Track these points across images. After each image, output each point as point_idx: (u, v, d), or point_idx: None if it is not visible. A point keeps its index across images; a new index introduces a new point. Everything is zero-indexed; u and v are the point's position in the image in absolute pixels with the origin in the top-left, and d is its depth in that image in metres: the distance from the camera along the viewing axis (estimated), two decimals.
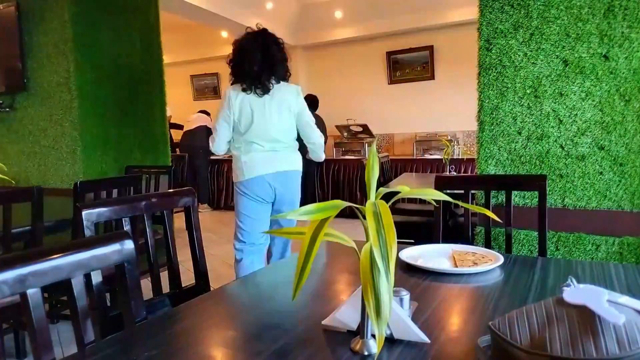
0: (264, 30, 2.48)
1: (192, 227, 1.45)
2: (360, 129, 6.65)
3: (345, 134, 6.77)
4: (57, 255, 0.91)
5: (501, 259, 1.30)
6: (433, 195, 0.98)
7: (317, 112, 5.91)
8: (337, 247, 1.53)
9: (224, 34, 7.16)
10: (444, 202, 1.65)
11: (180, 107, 7.67)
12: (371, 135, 6.58)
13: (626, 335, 0.61)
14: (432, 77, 6.51)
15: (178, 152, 6.32)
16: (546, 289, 1.14)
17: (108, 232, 2.40)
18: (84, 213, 1.35)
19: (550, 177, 1.95)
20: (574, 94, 1.89)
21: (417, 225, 3.27)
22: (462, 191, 1.83)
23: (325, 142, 3.69)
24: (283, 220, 2.55)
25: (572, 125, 1.91)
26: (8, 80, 3.43)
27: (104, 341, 0.90)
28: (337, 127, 6.74)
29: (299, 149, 2.66)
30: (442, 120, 6.25)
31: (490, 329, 0.72)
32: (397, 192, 0.82)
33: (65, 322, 2.77)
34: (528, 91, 1.97)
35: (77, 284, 0.95)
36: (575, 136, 1.90)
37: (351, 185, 5.90)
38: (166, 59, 3.88)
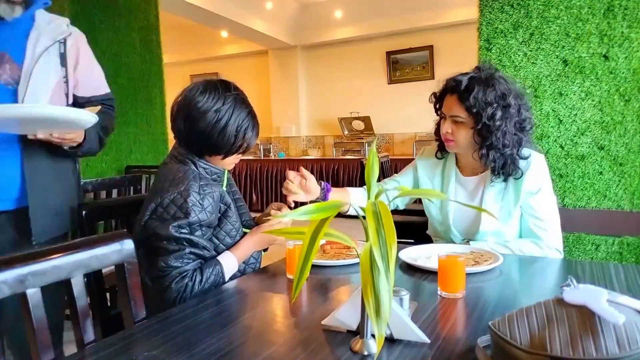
0: None
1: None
2: (362, 127, 6.65)
3: (346, 131, 6.77)
4: (56, 255, 0.91)
5: (501, 259, 1.30)
6: (433, 195, 0.98)
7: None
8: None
9: (224, 34, 7.17)
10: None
11: None
12: (372, 130, 6.57)
13: (626, 335, 0.61)
14: (432, 77, 6.51)
15: None
16: (546, 289, 1.15)
17: (108, 232, 2.40)
18: (84, 212, 1.35)
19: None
20: (574, 94, 1.89)
21: (417, 225, 3.26)
22: None
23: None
24: None
25: (571, 125, 1.91)
26: None
27: (104, 341, 0.90)
28: (339, 119, 6.73)
29: None
30: None
31: (490, 329, 0.72)
32: (397, 192, 0.82)
33: (65, 322, 2.77)
34: (528, 91, 1.97)
35: (77, 283, 0.94)
36: (575, 136, 1.90)
37: (351, 185, 5.90)
38: (166, 58, 3.88)
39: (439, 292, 1.08)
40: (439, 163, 1.69)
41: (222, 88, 1.31)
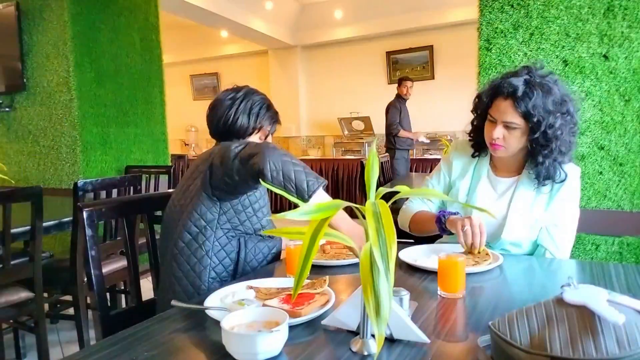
0: None
1: None
2: (362, 127, 6.65)
3: (346, 131, 6.77)
4: None
5: (501, 259, 1.30)
6: (433, 195, 0.98)
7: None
8: None
9: (224, 34, 7.17)
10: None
11: (180, 107, 7.67)
12: (372, 130, 6.57)
13: (626, 335, 0.61)
14: (432, 77, 6.51)
15: None
16: (546, 289, 1.14)
17: (108, 232, 2.40)
18: (85, 212, 1.35)
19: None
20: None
21: None
22: None
23: None
24: None
25: None
26: (8, 80, 3.43)
27: (104, 341, 0.90)
28: (339, 119, 6.73)
29: None
30: (442, 120, 6.24)
31: (490, 329, 0.72)
32: (397, 192, 0.82)
33: (66, 322, 2.77)
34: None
35: None
36: None
37: (351, 185, 5.90)
38: (166, 58, 3.88)
39: (439, 292, 1.08)
40: (472, 160, 1.61)
41: (239, 87, 1.55)
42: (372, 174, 0.78)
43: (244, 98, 1.51)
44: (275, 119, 1.57)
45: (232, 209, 1.35)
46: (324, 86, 7.35)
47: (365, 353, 0.79)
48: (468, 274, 1.22)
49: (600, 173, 1.87)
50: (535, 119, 1.35)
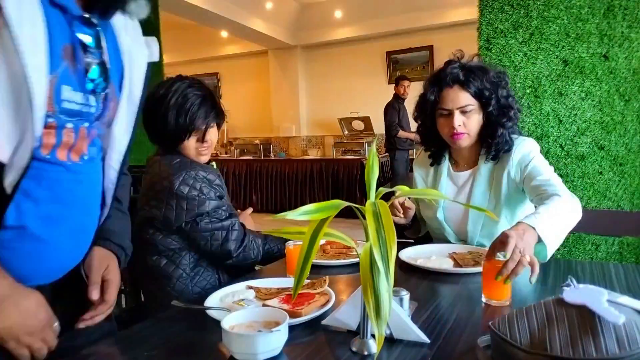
0: None
1: None
2: (362, 127, 6.65)
3: (346, 131, 6.77)
4: None
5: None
6: (433, 195, 0.98)
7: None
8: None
9: (224, 34, 7.17)
10: None
11: None
12: (372, 130, 6.57)
13: (626, 335, 0.61)
14: None
15: None
16: (546, 289, 1.14)
17: None
18: None
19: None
20: (574, 94, 1.89)
21: None
22: None
23: None
24: None
25: (571, 125, 1.91)
26: None
27: (104, 341, 0.90)
28: (339, 119, 6.73)
29: None
30: None
31: (490, 329, 0.72)
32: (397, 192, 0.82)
33: None
34: (528, 91, 1.97)
35: None
36: (575, 136, 1.90)
37: (351, 185, 5.90)
38: (166, 58, 3.88)
39: (483, 300, 1.03)
40: (431, 167, 1.65)
41: (175, 78, 1.38)
42: (372, 174, 0.78)
43: (175, 93, 1.34)
44: (212, 115, 1.37)
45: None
46: (324, 86, 7.35)
47: (365, 353, 0.79)
48: (468, 274, 1.22)
49: (600, 173, 1.87)
50: (486, 93, 1.43)
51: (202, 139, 1.38)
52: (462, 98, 1.44)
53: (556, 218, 1.21)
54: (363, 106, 6.82)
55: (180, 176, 1.30)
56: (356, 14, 6.69)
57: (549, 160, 1.92)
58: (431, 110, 1.51)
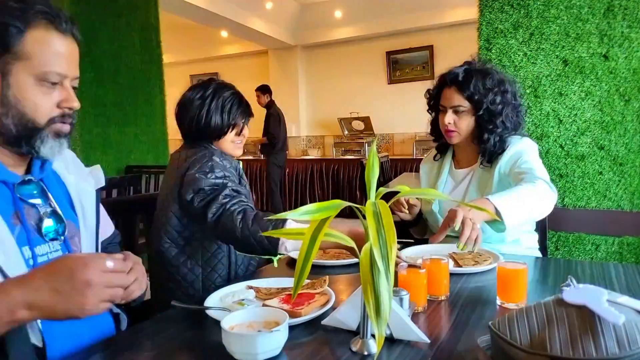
0: None
1: None
2: (362, 127, 6.65)
3: (346, 131, 6.77)
4: None
5: (501, 259, 1.30)
6: (433, 195, 0.98)
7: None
8: None
9: (224, 34, 7.16)
10: None
11: None
12: (372, 130, 6.57)
13: (626, 335, 0.61)
14: (432, 77, 6.47)
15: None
16: (546, 289, 1.14)
17: None
18: None
19: (550, 177, 1.95)
20: (574, 94, 1.89)
21: None
22: None
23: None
24: None
25: (571, 125, 1.91)
26: None
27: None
28: (339, 119, 6.73)
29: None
30: None
31: (490, 329, 0.72)
32: (397, 192, 0.82)
33: None
34: (528, 91, 1.97)
35: None
36: (575, 136, 1.90)
37: (351, 185, 5.90)
38: (166, 58, 3.88)
39: (498, 303, 1.02)
40: (436, 162, 1.77)
41: (206, 82, 1.49)
42: (372, 174, 0.78)
43: (214, 96, 1.44)
44: (247, 112, 1.51)
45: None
46: (324, 86, 7.35)
47: (365, 353, 0.79)
48: (468, 274, 1.22)
49: (600, 173, 1.87)
50: (477, 97, 1.50)
51: (239, 133, 1.50)
52: (455, 98, 1.53)
53: (515, 195, 1.28)
54: (363, 106, 6.82)
55: (199, 159, 1.36)
56: (356, 14, 6.68)
57: (549, 160, 1.94)
58: (435, 105, 1.64)
